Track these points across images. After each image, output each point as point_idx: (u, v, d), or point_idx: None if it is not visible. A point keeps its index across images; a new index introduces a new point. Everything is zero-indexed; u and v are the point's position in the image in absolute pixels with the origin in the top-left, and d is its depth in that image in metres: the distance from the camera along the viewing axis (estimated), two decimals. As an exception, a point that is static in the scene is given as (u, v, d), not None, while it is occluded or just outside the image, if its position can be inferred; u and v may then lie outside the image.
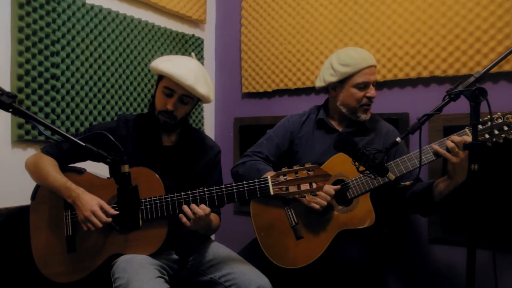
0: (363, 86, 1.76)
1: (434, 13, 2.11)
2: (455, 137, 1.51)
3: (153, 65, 1.60)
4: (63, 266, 1.55)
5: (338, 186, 1.68)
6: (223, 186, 1.45)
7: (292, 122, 1.94)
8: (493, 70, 1.30)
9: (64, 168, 1.60)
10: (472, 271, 1.19)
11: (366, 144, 1.81)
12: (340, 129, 1.87)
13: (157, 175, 1.51)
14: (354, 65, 1.75)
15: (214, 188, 1.46)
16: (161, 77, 1.61)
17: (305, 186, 1.38)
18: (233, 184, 1.45)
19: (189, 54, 1.92)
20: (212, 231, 1.72)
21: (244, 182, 1.43)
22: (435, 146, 1.54)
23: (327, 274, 1.70)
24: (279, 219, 1.77)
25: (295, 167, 1.40)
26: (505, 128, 1.50)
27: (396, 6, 2.21)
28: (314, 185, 1.39)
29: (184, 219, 1.44)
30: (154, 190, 1.49)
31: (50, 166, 1.55)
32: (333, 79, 1.80)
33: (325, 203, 1.64)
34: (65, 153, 1.61)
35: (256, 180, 1.42)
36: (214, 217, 1.70)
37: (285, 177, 1.40)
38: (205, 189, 1.46)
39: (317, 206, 1.64)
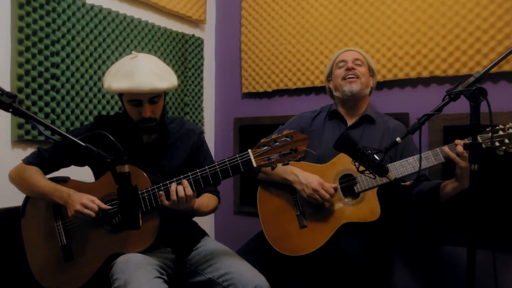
0: (343, 64, 1.95)
1: (434, 13, 2.10)
2: (464, 141, 1.53)
3: (106, 88, 1.51)
4: (63, 276, 1.54)
5: (336, 185, 1.75)
6: (206, 167, 1.44)
7: (303, 117, 2.06)
8: (493, 70, 1.30)
9: (48, 179, 1.59)
10: (472, 271, 1.19)
11: (376, 137, 1.88)
12: (348, 119, 1.96)
13: (141, 170, 1.50)
14: (336, 53, 2.04)
15: (197, 170, 1.45)
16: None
17: (287, 153, 1.37)
18: (216, 163, 1.44)
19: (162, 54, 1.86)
20: (207, 213, 1.70)
21: (226, 159, 1.43)
22: (446, 149, 1.57)
23: (326, 268, 1.73)
24: (285, 206, 1.83)
25: (273, 136, 1.39)
26: None
27: (396, 6, 2.21)
28: (297, 151, 1.37)
29: (162, 198, 1.45)
30: (140, 185, 1.47)
31: (36, 174, 1.55)
32: (328, 70, 2.06)
33: (321, 200, 1.72)
34: (47, 162, 1.61)
35: (237, 155, 1.41)
36: (208, 197, 1.69)
37: (265, 148, 1.38)
38: (190, 173, 1.46)
39: (314, 201, 1.74)
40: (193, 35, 2.78)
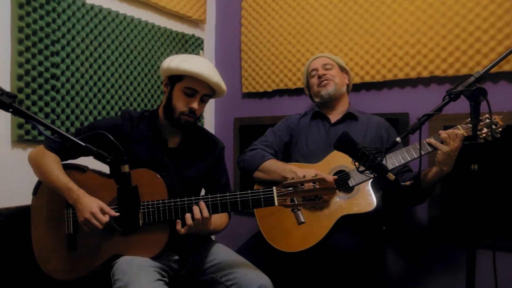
0: (314, 73, 2.10)
1: (434, 13, 2.10)
2: (448, 130, 1.63)
3: (172, 66, 1.54)
4: (64, 263, 1.54)
5: (335, 177, 1.78)
6: (227, 194, 1.45)
7: (291, 118, 2.19)
8: (493, 70, 1.30)
9: (67, 165, 1.59)
10: (472, 271, 1.19)
11: (360, 132, 1.97)
12: (331, 117, 2.08)
13: (160, 178, 1.49)
14: (307, 63, 2.20)
15: (218, 195, 1.46)
16: (177, 78, 1.57)
17: (310, 198, 1.40)
18: (238, 193, 1.44)
19: (198, 53, 1.92)
20: (216, 232, 1.69)
21: (249, 191, 1.44)
22: (428, 139, 1.67)
23: (321, 264, 1.75)
24: None
25: (301, 179, 1.41)
26: (493, 126, 1.63)
27: (396, 6, 2.21)
28: (321, 198, 1.40)
29: (178, 226, 1.44)
30: (157, 193, 1.48)
31: (53, 163, 1.54)
32: (304, 81, 2.22)
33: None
34: (68, 149, 1.60)
35: (261, 190, 1.43)
36: (221, 215, 1.67)
37: (290, 189, 1.40)
38: (209, 196, 1.46)
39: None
40: (193, 35, 2.78)
